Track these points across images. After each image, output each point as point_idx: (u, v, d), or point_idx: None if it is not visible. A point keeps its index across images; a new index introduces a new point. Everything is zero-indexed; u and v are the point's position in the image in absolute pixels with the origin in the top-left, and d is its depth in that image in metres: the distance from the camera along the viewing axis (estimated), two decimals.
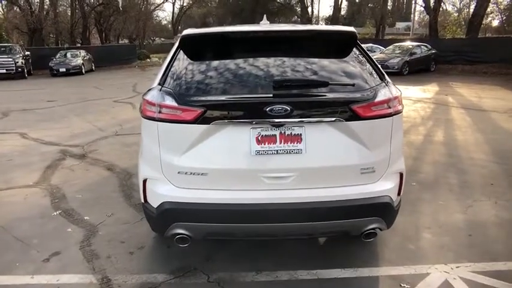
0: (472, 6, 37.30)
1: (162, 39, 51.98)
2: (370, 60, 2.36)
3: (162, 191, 2.20)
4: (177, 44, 2.45)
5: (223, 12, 41.18)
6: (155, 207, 2.24)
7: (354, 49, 2.39)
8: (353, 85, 2.15)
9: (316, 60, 2.30)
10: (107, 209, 3.42)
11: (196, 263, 2.60)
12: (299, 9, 34.48)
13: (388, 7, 33.54)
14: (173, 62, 2.32)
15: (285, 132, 2.07)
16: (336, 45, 2.41)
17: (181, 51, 2.37)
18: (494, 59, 16.16)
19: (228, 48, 2.36)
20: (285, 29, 2.62)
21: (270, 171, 2.10)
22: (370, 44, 19.77)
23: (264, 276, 2.47)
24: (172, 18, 45.31)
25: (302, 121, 2.05)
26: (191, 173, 2.13)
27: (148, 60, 27.52)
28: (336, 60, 2.32)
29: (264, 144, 2.07)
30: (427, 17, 23.47)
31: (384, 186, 2.22)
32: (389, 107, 2.17)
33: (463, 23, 33.42)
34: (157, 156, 2.18)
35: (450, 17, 35.00)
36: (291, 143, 2.08)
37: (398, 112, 2.22)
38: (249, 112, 2.05)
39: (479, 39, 20.87)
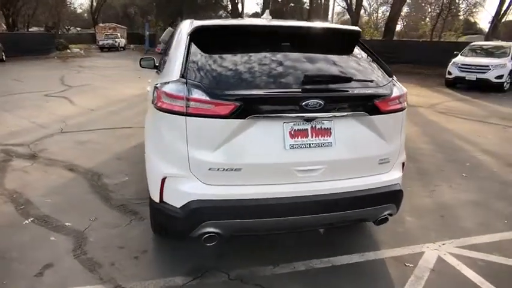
0: (380, 12, 41.09)
1: (78, 28, 47.98)
2: (376, 58, 2.52)
3: (190, 189, 2.10)
4: (185, 35, 2.35)
5: (147, 3, 39.29)
6: (178, 206, 2.13)
7: (361, 47, 2.54)
8: (372, 81, 2.29)
9: (332, 56, 2.40)
10: (87, 213, 3.13)
11: (210, 262, 2.53)
12: (228, 4, 34.48)
13: (306, 6, 35.28)
14: (189, 55, 2.22)
15: (315, 126, 2.13)
16: (346, 43, 2.53)
17: (196, 43, 2.28)
18: (407, 59, 18.02)
19: (248, 42, 2.34)
20: (302, 25, 2.67)
21: (302, 165, 2.14)
22: None
23: (282, 269, 2.51)
24: (91, 7, 41.98)
25: (334, 115, 2.12)
26: (224, 169, 2.07)
27: (68, 51, 25.18)
28: (349, 57, 2.45)
29: (297, 138, 2.10)
30: (344, 17, 25.17)
31: (395, 175, 2.41)
32: (400, 102, 2.36)
33: (372, 26, 36.80)
34: (183, 153, 2.07)
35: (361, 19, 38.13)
36: (321, 137, 2.14)
37: (405, 107, 2.43)
38: (284, 106, 2.07)
39: (394, 42, 23.07)
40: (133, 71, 14.31)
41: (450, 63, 12.65)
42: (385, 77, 2.41)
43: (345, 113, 2.16)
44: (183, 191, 2.12)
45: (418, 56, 18.10)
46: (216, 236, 2.15)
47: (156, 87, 2.24)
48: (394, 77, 2.50)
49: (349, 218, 2.37)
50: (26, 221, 2.99)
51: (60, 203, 3.31)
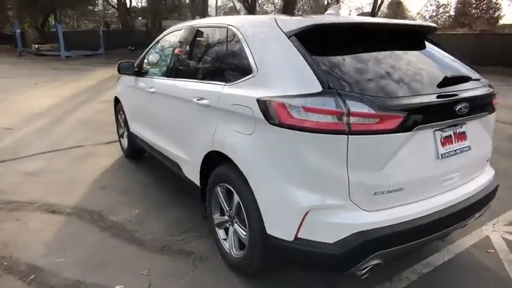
0: None
1: None
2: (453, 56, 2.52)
3: (348, 220, 1.78)
4: (280, 36, 2.00)
5: None
6: (331, 242, 1.79)
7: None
8: (480, 79, 2.27)
9: (431, 54, 2.30)
10: (130, 267, 2.45)
11: None
12: None
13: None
14: (307, 59, 1.86)
15: (456, 131, 2.02)
16: (428, 40, 2.45)
17: (311, 45, 1.93)
18: None
19: (368, 42, 2.10)
20: (401, 22, 2.51)
21: (448, 173, 2.01)
22: None
23: (398, 282, 2.36)
24: None
25: (474, 117, 2.04)
26: (388, 191, 1.80)
27: None
28: (441, 54, 2.38)
29: (446, 145, 1.96)
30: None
31: (492, 171, 2.45)
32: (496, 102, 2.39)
33: None
34: (341, 178, 1.74)
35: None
36: (460, 142, 2.04)
37: None
38: (441, 113, 1.90)
39: None
40: (23, 78, 12.07)
41: None
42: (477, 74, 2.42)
43: (480, 114, 2.10)
44: (339, 223, 1.78)
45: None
46: (375, 266, 1.88)
47: (282, 103, 1.81)
48: None
49: (471, 220, 2.34)
50: None
51: (83, 261, 2.52)
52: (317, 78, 1.78)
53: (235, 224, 2.34)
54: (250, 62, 2.15)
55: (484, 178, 2.30)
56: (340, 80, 1.80)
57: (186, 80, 2.86)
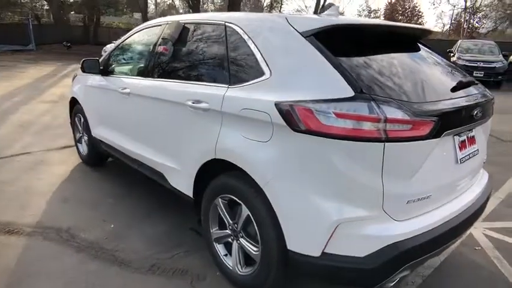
0: None
1: None
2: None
3: (380, 232, 1.68)
4: (298, 37, 1.87)
5: None
6: (362, 256, 1.69)
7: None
8: (478, 84, 2.32)
9: (430, 57, 2.31)
10: None
11: None
12: None
13: None
14: (332, 61, 1.75)
15: (469, 136, 2.03)
16: (420, 43, 2.47)
17: (333, 46, 1.82)
18: None
19: (382, 44, 2.04)
20: (408, 25, 2.47)
21: (463, 177, 2.02)
22: None
23: (406, 287, 2.34)
24: None
25: (484, 121, 2.07)
26: (418, 199, 1.75)
27: None
28: (438, 58, 2.40)
29: (463, 150, 1.97)
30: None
31: (486, 173, 2.51)
32: None
33: None
34: (375, 188, 1.64)
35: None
36: (472, 146, 2.06)
37: None
38: (463, 118, 1.89)
39: None
40: None
41: None
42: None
43: (487, 118, 2.14)
44: (371, 235, 1.69)
45: None
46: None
47: (307, 108, 1.67)
48: None
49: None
50: None
51: None
52: (347, 82, 1.67)
53: (241, 239, 2.15)
54: (259, 63, 1.98)
55: (484, 179, 2.37)
56: (369, 84, 1.71)
57: (174, 81, 2.59)
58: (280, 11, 37.33)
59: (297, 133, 1.71)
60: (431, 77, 2.05)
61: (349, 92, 1.64)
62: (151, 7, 34.15)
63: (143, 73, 2.90)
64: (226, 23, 2.28)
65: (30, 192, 3.43)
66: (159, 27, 2.91)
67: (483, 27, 33.59)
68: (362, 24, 2.08)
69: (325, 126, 1.64)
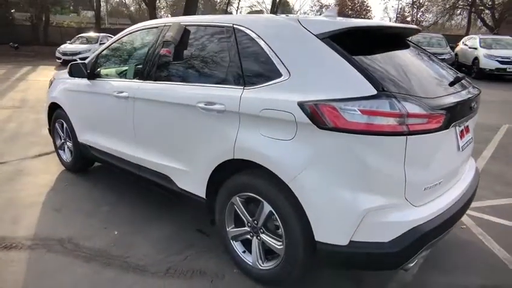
0: None
1: None
2: None
3: (403, 218, 1.83)
4: (311, 38, 1.99)
5: None
6: (387, 241, 1.83)
7: None
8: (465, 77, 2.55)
9: (420, 54, 2.50)
10: None
11: None
12: None
13: None
14: (349, 60, 1.87)
15: (465, 125, 2.23)
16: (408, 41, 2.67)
17: (348, 47, 1.94)
18: None
19: (388, 44, 2.18)
20: (408, 25, 2.63)
21: (462, 163, 2.22)
22: None
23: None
24: None
25: (475, 111, 2.29)
26: (433, 185, 1.92)
27: None
28: (427, 54, 2.60)
29: (462, 138, 2.17)
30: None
31: (472, 159, 2.77)
32: None
33: None
34: (399, 178, 1.78)
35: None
36: (467, 134, 2.27)
37: None
38: (465, 110, 2.08)
39: None
40: None
41: None
42: None
43: (477, 109, 2.36)
44: (394, 221, 1.83)
45: None
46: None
47: (333, 106, 1.77)
48: None
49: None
50: None
51: None
52: (368, 81, 1.78)
53: (263, 235, 2.22)
54: (276, 65, 2.05)
55: (473, 163, 2.61)
56: (389, 82, 1.84)
57: (179, 83, 2.58)
58: (238, 7, 37.30)
59: (323, 130, 1.81)
60: (433, 73, 2.24)
61: (372, 91, 1.76)
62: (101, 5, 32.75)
63: (143, 76, 2.84)
64: (235, 25, 2.31)
65: (16, 204, 3.26)
66: (156, 29, 2.88)
67: (426, 21, 35.74)
68: (371, 26, 2.21)
69: (350, 123, 1.75)
